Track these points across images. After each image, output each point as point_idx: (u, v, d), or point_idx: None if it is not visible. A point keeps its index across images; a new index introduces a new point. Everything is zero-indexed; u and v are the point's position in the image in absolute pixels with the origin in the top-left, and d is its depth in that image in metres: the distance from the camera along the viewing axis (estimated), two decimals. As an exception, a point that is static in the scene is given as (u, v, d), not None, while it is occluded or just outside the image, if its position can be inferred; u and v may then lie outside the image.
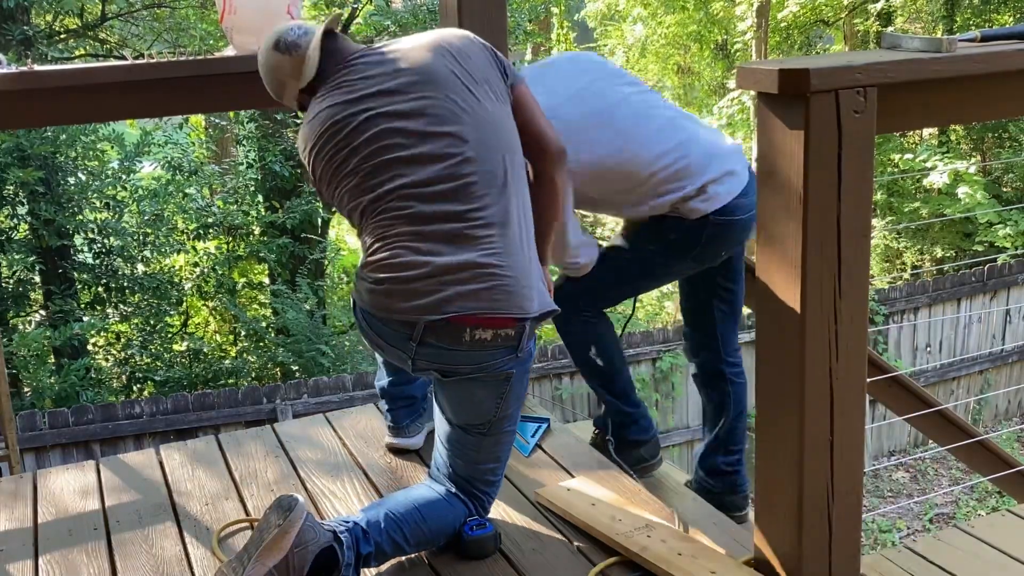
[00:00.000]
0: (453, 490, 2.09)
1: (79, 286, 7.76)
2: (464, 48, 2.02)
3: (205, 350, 8.34)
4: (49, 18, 8.71)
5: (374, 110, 1.95)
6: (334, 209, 2.02)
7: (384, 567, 2.05)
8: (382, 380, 2.55)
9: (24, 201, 7.30)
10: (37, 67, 2.45)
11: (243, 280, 9.14)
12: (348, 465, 2.53)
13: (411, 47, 2.02)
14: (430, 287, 1.88)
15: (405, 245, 1.91)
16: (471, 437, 2.05)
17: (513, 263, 1.92)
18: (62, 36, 8.76)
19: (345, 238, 11.92)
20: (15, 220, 7.49)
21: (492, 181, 1.93)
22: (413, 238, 1.90)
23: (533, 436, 2.63)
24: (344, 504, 2.33)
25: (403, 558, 2.08)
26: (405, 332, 1.92)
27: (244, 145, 9.47)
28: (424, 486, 2.14)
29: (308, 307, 7.98)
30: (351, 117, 1.96)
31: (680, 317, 3.42)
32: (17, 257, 7.39)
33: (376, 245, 1.95)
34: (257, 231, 8.84)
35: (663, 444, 5.58)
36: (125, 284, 7.87)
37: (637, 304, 2.95)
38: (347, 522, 1.93)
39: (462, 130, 1.93)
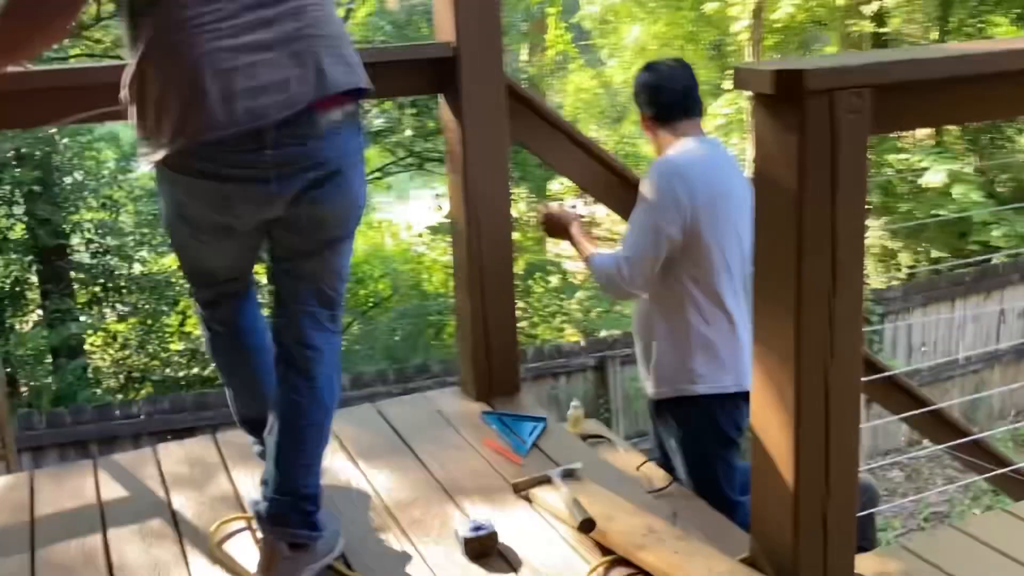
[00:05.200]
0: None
1: (76, 286, 7.76)
2: None
3: (202, 350, 8.32)
4: (45, 18, 8.69)
5: None
6: None
7: (382, 566, 2.06)
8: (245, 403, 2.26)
9: (21, 201, 7.29)
10: (32, 67, 2.44)
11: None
12: (344, 464, 2.54)
13: None
14: None
15: None
16: None
17: None
18: (58, 36, 8.75)
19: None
20: (12, 220, 7.48)
21: None
22: None
23: (530, 436, 2.63)
24: (341, 501, 2.33)
25: (400, 556, 2.09)
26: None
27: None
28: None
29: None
30: None
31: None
32: (14, 257, 7.39)
33: None
34: (255, 231, 8.82)
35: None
36: (122, 284, 7.87)
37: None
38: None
39: None
